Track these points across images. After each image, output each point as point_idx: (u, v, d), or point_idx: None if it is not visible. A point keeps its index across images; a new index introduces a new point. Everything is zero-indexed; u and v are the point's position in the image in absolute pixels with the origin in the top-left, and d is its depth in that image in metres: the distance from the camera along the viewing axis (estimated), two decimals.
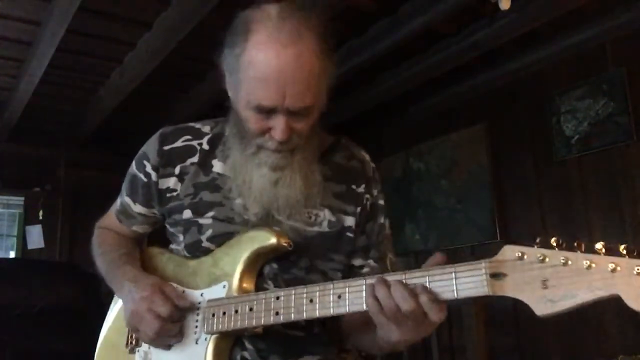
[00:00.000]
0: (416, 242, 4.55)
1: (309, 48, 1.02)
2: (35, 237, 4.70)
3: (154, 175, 1.20)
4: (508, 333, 3.85)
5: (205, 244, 1.15)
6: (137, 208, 1.26)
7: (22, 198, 4.75)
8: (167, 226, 1.24)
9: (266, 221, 1.12)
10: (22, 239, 4.70)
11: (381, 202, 1.23)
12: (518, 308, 3.82)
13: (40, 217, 4.73)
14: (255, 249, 1.09)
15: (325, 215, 1.15)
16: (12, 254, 4.77)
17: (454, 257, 4.62)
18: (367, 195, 1.20)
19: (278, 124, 1.03)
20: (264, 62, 0.99)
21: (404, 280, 0.91)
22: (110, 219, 1.34)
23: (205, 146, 1.20)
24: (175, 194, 1.19)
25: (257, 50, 1.00)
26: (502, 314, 3.87)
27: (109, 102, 4.07)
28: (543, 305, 0.81)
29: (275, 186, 1.09)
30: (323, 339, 1.17)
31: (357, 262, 1.19)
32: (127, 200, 1.27)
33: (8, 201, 4.79)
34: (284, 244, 1.08)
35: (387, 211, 1.24)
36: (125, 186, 1.28)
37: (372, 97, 4.25)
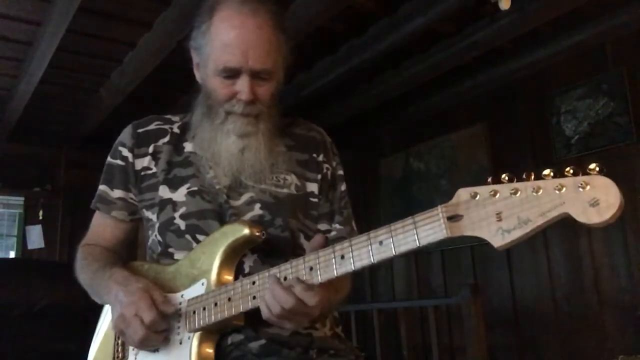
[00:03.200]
0: None
1: (267, 22, 1.16)
2: (35, 237, 4.70)
3: (130, 156, 1.27)
4: (508, 333, 3.85)
5: (178, 220, 1.18)
6: (116, 193, 1.28)
7: (22, 198, 4.74)
8: (143, 211, 1.26)
9: (237, 188, 1.20)
10: (22, 239, 4.69)
11: (340, 172, 1.34)
12: (518, 308, 3.83)
13: (40, 217, 4.72)
14: (229, 243, 1.10)
15: (292, 179, 1.25)
16: (12, 254, 4.77)
17: (455, 257, 4.62)
18: (327, 165, 1.31)
19: (243, 85, 1.15)
20: (229, 30, 1.14)
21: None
22: (90, 230, 1.35)
23: (176, 130, 1.30)
24: (150, 172, 1.25)
25: (222, 21, 1.16)
26: (502, 314, 3.87)
27: (109, 102, 4.06)
28: (500, 236, 0.82)
29: (242, 153, 1.19)
30: None
31: (323, 226, 1.27)
32: (103, 188, 1.30)
33: (8, 201, 4.78)
34: (257, 234, 1.09)
35: (344, 179, 1.35)
36: (101, 179, 1.32)
37: (372, 97, 4.24)
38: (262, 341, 1.11)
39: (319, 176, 1.28)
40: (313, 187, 1.27)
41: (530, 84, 3.92)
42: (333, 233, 1.27)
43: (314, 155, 1.29)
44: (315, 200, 1.26)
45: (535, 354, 3.74)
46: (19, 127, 4.47)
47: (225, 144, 1.19)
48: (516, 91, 4.02)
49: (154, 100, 4.20)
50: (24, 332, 3.33)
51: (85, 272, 1.26)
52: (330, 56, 3.63)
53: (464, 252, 4.16)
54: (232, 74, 1.15)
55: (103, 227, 1.32)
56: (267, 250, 1.15)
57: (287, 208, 1.21)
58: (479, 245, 4.04)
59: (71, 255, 4.69)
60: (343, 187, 1.33)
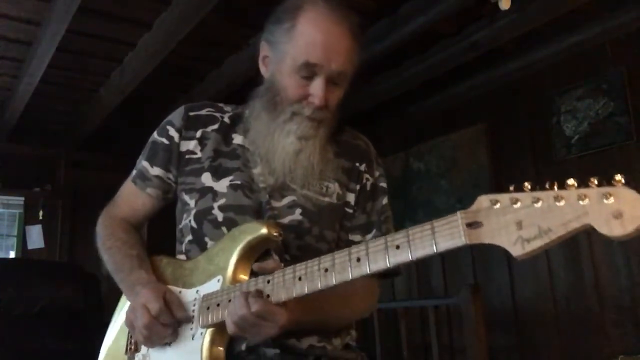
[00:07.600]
0: None
1: (350, 31, 1.18)
2: (35, 237, 4.69)
3: (176, 137, 1.27)
4: (508, 333, 3.85)
5: (216, 211, 1.18)
6: (155, 171, 1.29)
7: (22, 198, 4.73)
8: (182, 194, 1.26)
9: (280, 189, 1.19)
10: (22, 239, 4.69)
11: (383, 184, 1.32)
12: (518, 308, 3.83)
13: (40, 217, 4.72)
14: (247, 241, 1.10)
15: (335, 187, 1.24)
16: (12, 254, 4.76)
17: (455, 257, 4.61)
18: (367, 175, 1.29)
19: (317, 89, 1.15)
20: (315, 32, 1.15)
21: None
22: (118, 201, 1.36)
23: (227, 120, 1.30)
24: (195, 156, 1.25)
25: (308, 24, 1.16)
26: (502, 314, 3.87)
27: (109, 102, 4.06)
28: (519, 246, 0.80)
29: (297, 155, 1.18)
30: None
31: (356, 238, 1.25)
32: (145, 164, 1.30)
33: (8, 201, 4.77)
34: (275, 234, 1.09)
35: (388, 192, 1.33)
36: (143, 153, 1.33)
37: (372, 97, 4.24)
38: (277, 350, 1.11)
39: (358, 187, 1.27)
40: (350, 198, 1.26)
41: (530, 84, 3.92)
42: None
43: (357, 164, 1.29)
44: (350, 211, 1.25)
45: (535, 354, 3.73)
46: (19, 127, 4.47)
47: (283, 143, 1.18)
48: (516, 91, 4.01)
49: (154, 100, 4.20)
50: (24, 332, 3.33)
51: (109, 254, 1.27)
52: None
53: (464, 252, 4.16)
54: (309, 73, 1.15)
55: (134, 197, 1.33)
56: (299, 257, 1.14)
57: (326, 218, 1.21)
58: (479, 245, 4.04)
59: (71, 255, 4.72)
60: (384, 201, 1.31)
